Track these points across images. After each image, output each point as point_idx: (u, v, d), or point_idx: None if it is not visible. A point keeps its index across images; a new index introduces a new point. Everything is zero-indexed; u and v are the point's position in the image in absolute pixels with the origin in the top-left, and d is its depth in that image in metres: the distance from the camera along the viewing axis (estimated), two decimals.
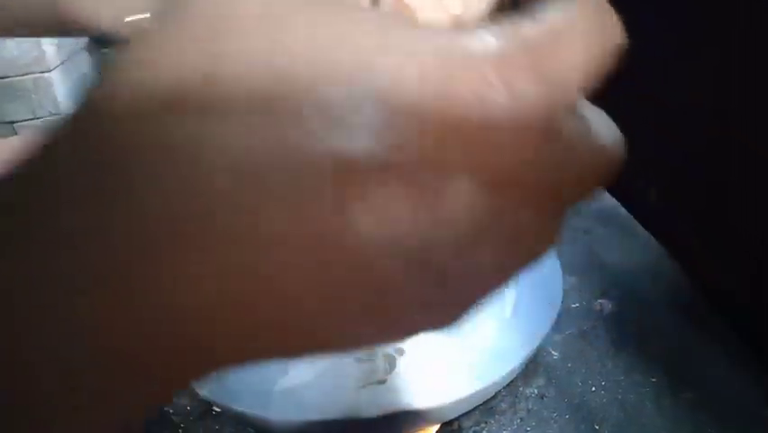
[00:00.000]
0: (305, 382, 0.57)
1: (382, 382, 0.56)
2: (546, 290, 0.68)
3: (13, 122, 1.95)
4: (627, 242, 0.92)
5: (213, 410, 0.68)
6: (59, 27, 0.58)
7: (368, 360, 0.57)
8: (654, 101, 1.10)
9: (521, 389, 0.68)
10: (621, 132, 0.21)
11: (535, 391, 0.68)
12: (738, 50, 0.86)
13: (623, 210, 1.01)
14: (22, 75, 1.88)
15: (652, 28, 1.13)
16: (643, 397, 0.67)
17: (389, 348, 0.57)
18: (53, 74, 1.93)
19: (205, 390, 0.62)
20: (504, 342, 0.61)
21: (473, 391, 0.59)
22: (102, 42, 2.26)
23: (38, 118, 1.96)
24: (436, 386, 0.58)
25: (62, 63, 1.97)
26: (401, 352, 0.57)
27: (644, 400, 0.66)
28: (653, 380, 0.69)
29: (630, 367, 0.70)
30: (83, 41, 2.17)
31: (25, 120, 1.95)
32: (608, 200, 1.04)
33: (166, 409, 0.70)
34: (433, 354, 0.58)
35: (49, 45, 1.89)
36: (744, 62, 0.85)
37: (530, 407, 0.66)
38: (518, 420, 0.65)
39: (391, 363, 0.57)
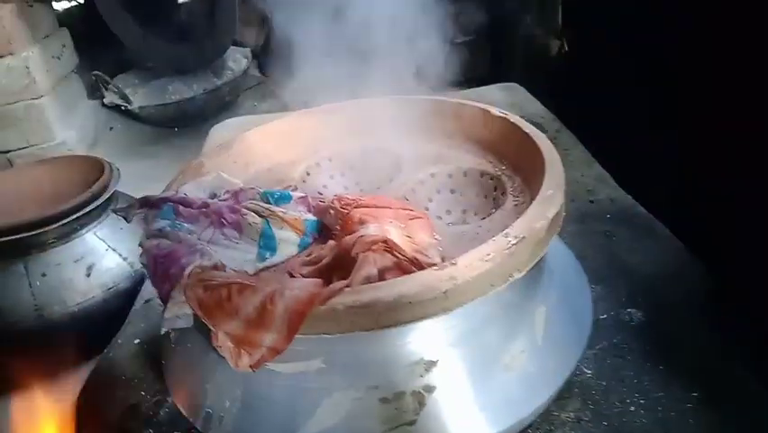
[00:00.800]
0: (327, 427, 0.53)
1: (411, 423, 0.53)
2: (576, 310, 0.64)
3: (7, 151, 1.92)
4: (649, 243, 0.89)
5: None
6: None
7: (394, 400, 0.53)
8: (672, 95, 1.07)
9: (556, 413, 0.64)
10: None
11: (571, 414, 0.64)
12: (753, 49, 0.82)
13: (641, 209, 0.97)
14: (13, 103, 1.85)
15: (672, 30, 1.10)
16: (685, 414, 0.63)
17: (417, 386, 0.53)
18: (44, 100, 1.89)
19: None
20: (537, 369, 0.57)
21: (510, 424, 0.55)
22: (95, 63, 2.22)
23: (32, 146, 1.92)
24: (470, 423, 0.54)
25: (53, 88, 1.94)
26: (430, 389, 0.53)
27: (686, 418, 0.62)
28: (695, 394, 0.65)
29: (668, 382, 0.66)
30: (73, 63, 2.13)
31: (20, 149, 1.92)
32: (625, 200, 1.00)
33: None
34: (464, 389, 0.54)
35: (38, 71, 1.85)
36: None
37: None
38: None
39: (420, 402, 0.53)
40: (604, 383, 0.67)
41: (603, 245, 0.89)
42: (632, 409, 0.64)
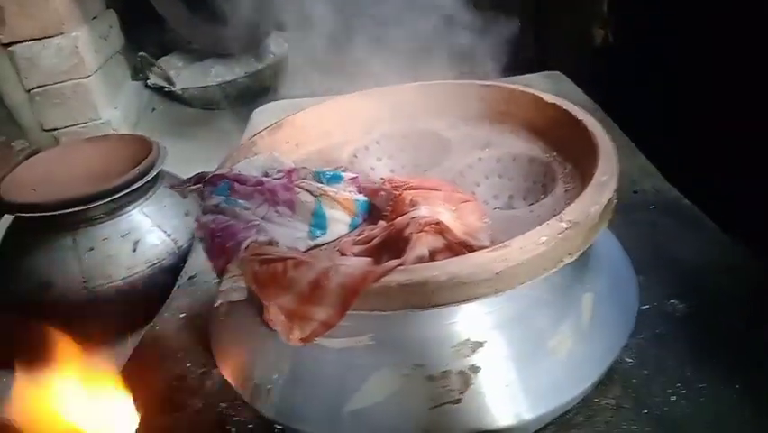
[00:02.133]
0: (374, 403, 0.55)
1: (456, 401, 0.53)
2: (622, 297, 0.64)
3: (54, 129, 1.96)
4: (694, 235, 0.88)
5: (275, 429, 0.66)
6: None
7: (440, 378, 0.54)
8: (723, 88, 1.05)
9: (596, 400, 0.64)
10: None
11: (612, 401, 0.64)
12: None
13: (686, 201, 0.96)
14: (61, 82, 1.89)
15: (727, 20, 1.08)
16: (728, 406, 0.63)
17: (463, 365, 0.54)
18: (91, 80, 1.93)
19: (271, 411, 0.60)
20: (583, 354, 0.57)
21: (553, 407, 0.56)
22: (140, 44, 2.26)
23: (78, 124, 1.96)
24: (514, 404, 0.54)
25: (99, 68, 1.98)
26: (476, 369, 0.54)
27: (729, 409, 0.62)
28: (738, 387, 0.64)
29: (712, 373, 0.66)
30: (119, 44, 2.17)
31: (66, 127, 1.97)
32: (669, 191, 0.99)
33: (228, 427, 0.68)
34: (509, 371, 0.55)
35: (87, 51, 1.89)
36: None
37: (607, 419, 0.62)
38: None
39: (466, 381, 0.54)
40: (646, 372, 0.67)
41: (647, 236, 0.88)
42: (673, 398, 0.64)
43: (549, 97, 0.73)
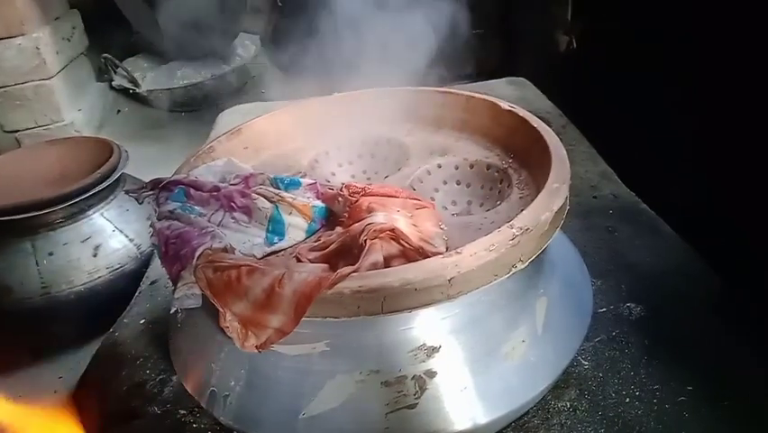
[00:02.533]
0: (330, 408, 0.55)
1: (412, 406, 0.54)
2: (576, 301, 0.65)
3: (15, 131, 1.93)
4: (652, 240, 0.90)
5: None
6: None
7: (395, 383, 0.54)
8: (680, 94, 1.08)
9: (552, 402, 0.65)
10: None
11: (567, 404, 0.65)
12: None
13: (644, 206, 0.98)
14: (23, 83, 1.86)
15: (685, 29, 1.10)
16: (680, 407, 0.64)
17: (419, 370, 0.54)
18: (54, 81, 1.90)
19: (228, 418, 0.59)
20: (537, 359, 0.58)
21: (508, 411, 0.56)
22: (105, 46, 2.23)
23: (40, 126, 1.93)
24: (469, 408, 0.55)
25: (62, 69, 1.95)
26: (432, 374, 0.54)
27: (681, 411, 0.64)
28: (690, 388, 0.66)
29: (665, 375, 0.68)
30: (83, 45, 2.14)
31: (28, 129, 1.93)
32: (628, 196, 1.01)
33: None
34: (464, 375, 0.55)
35: (49, 52, 1.86)
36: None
37: (563, 421, 0.64)
38: None
39: (421, 386, 0.54)
40: (601, 375, 0.68)
41: (605, 241, 0.90)
42: (627, 400, 0.65)
43: (506, 104, 0.73)
